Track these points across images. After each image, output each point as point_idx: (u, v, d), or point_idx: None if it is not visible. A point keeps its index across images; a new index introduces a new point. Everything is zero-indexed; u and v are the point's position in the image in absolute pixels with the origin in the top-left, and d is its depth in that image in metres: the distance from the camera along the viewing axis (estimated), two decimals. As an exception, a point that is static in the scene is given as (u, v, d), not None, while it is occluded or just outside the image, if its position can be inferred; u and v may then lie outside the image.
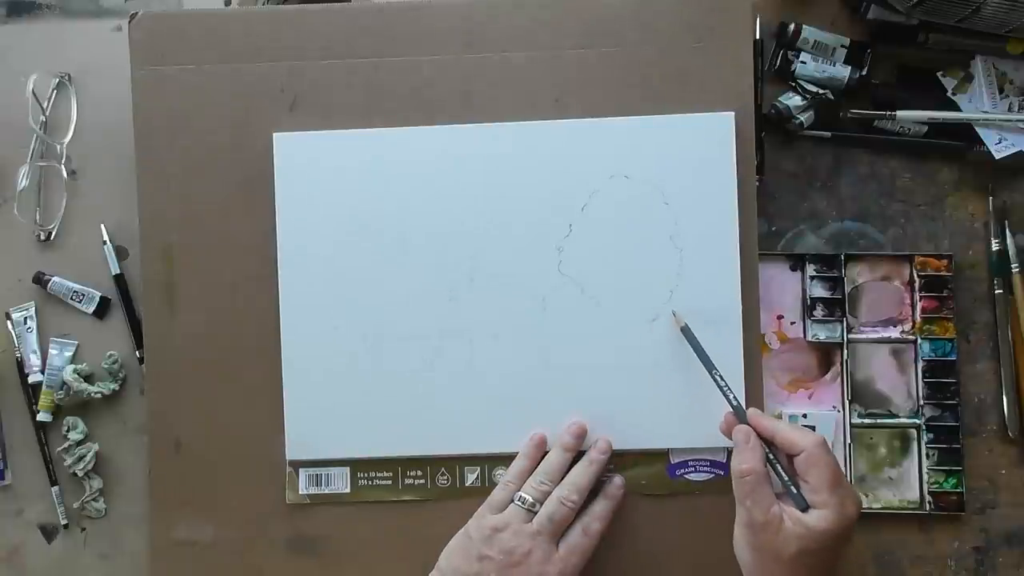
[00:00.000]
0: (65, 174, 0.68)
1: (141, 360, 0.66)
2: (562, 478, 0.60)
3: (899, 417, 0.66)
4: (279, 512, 0.64)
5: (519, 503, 0.58)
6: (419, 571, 0.58)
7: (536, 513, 0.58)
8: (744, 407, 0.57)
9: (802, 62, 0.67)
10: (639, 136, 0.63)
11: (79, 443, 0.66)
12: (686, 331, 0.61)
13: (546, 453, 0.61)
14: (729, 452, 0.62)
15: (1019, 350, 0.67)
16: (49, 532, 0.67)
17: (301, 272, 0.63)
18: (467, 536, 0.58)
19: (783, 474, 0.54)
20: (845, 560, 0.54)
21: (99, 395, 0.66)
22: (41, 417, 0.67)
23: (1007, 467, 0.67)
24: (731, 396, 0.58)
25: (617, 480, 0.62)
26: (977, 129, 0.67)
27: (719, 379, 0.58)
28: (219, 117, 0.64)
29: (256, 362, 0.63)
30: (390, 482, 0.63)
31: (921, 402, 0.66)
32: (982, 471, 0.66)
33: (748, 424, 0.56)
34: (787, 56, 0.67)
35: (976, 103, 0.68)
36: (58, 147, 0.68)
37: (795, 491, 0.53)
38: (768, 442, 0.55)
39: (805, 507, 0.52)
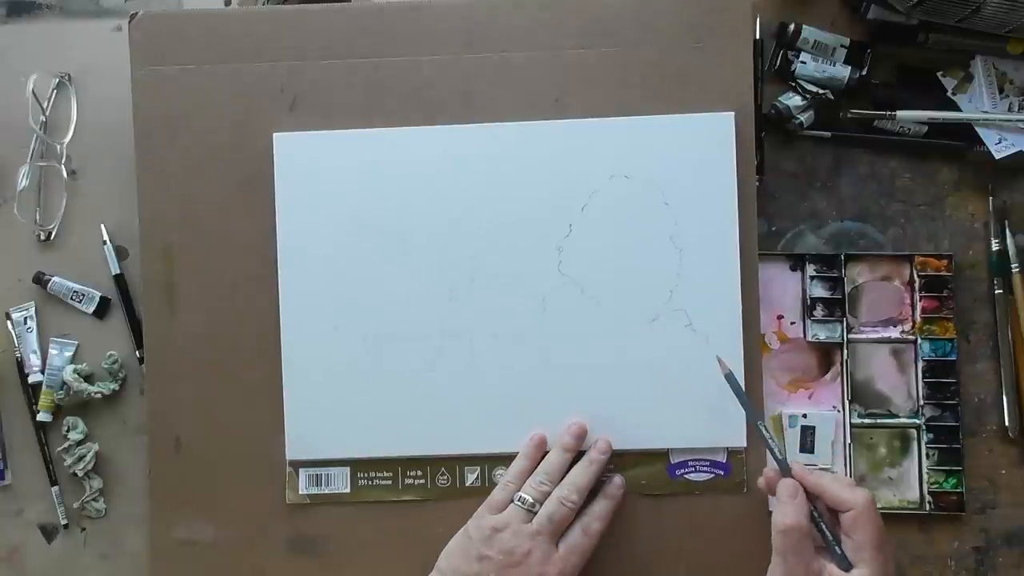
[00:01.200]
0: (65, 174, 0.68)
1: (141, 360, 0.66)
2: (562, 478, 0.59)
3: (899, 417, 0.66)
4: (279, 512, 0.64)
5: (519, 503, 0.58)
6: (419, 571, 0.58)
7: (536, 513, 0.58)
8: (788, 462, 0.56)
9: (802, 62, 0.67)
10: (639, 136, 0.63)
11: (79, 443, 0.66)
12: (730, 378, 0.59)
13: (546, 453, 0.61)
14: (728, 452, 0.63)
15: (1019, 350, 0.67)
16: (49, 532, 0.67)
17: (301, 272, 0.63)
18: (467, 536, 0.58)
19: (828, 532, 0.54)
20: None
21: (99, 395, 0.66)
22: (41, 417, 0.67)
23: (1007, 467, 0.67)
24: (776, 449, 0.57)
25: (617, 480, 0.62)
26: (977, 129, 0.67)
27: (764, 430, 0.57)
28: (219, 117, 0.64)
29: (256, 362, 0.63)
30: (390, 482, 0.63)
31: (921, 402, 0.66)
32: (982, 471, 0.66)
33: (794, 478, 0.55)
34: (787, 56, 0.67)
35: (976, 103, 0.68)
36: (58, 147, 0.68)
37: (838, 550, 0.53)
38: (813, 497, 0.55)
39: (848, 567, 0.52)
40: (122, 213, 0.67)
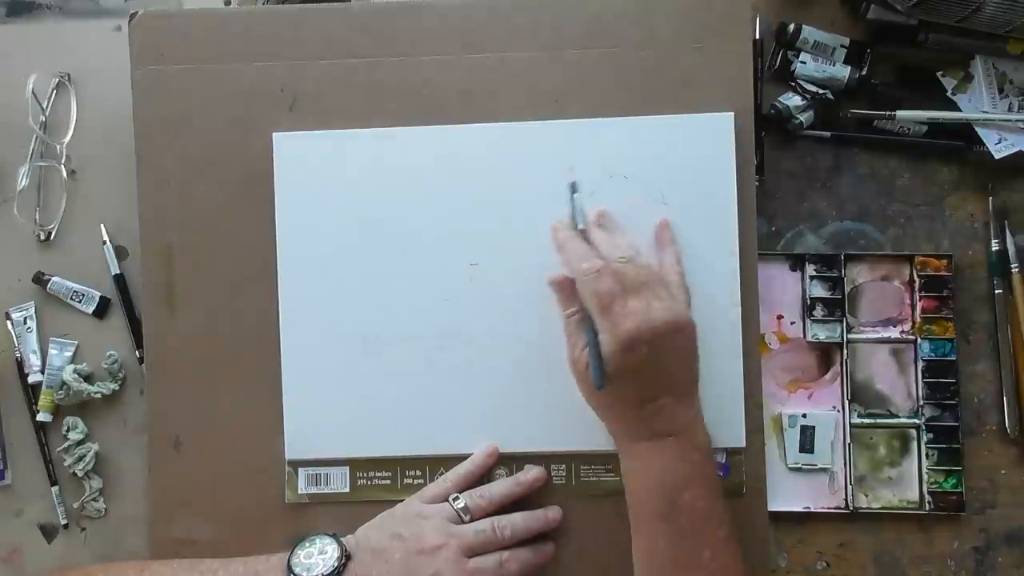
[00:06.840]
0: (65, 174, 0.68)
1: (141, 360, 0.66)
2: (501, 504, 0.60)
3: (899, 417, 0.66)
4: (278, 512, 0.64)
5: (452, 502, 0.59)
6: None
7: (465, 521, 0.58)
8: (581, 227, 0.59)
9: (802, 62, 0.67)
10: (639, 136, 0.63)
11: (79, 443, 0.66)
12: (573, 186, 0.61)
13: (495, 462, 0.62)
14: (727, 452, 0.63)
15: (1019, 350, 0.67)
16: (49, 532, 0.67)
17: (301, 272, 0.63)
18: (390, 514, 0.59)
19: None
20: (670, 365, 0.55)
21: (99, 395, 0.66)
22: (41, 417, 0.67)
23: (1007, 467, 0.66)
24: (577, 209, 0.60)
25: (549, 547, 0.61)
26: (977, 129, 0.67)
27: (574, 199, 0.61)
28: (219, 117, 0.64)
29: (255, 362, 0.63)
30: (389, 482, 0.63)
31: (921, 402, 0.66)
32: (982, 471, 0.66)
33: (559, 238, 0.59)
34: (787, 56, 0.67)
35: (976, 103, 0.68)
36: (58, 147, 0.68)
37: (574, 312, 0.57)
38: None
39: (590, 326, 0.55)
40: (122, 213, 0.67)
